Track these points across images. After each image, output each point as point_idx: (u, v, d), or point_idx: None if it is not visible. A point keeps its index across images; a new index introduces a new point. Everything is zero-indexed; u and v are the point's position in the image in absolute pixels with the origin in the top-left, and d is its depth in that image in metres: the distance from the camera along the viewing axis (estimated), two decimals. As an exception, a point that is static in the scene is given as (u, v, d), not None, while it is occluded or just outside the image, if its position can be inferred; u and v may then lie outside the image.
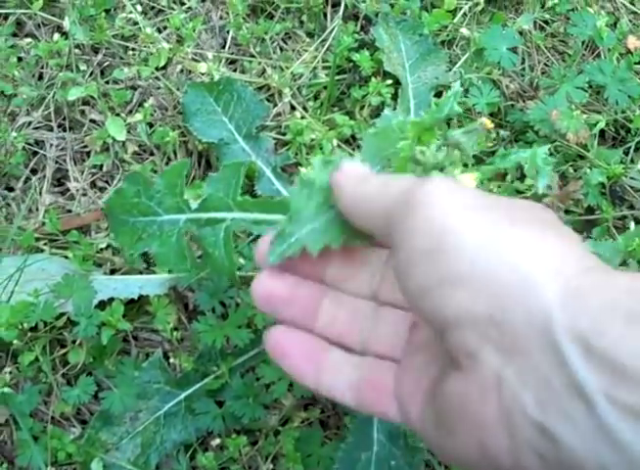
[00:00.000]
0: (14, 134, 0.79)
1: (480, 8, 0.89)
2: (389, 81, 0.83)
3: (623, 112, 0.86)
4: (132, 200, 0.57)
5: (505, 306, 0.27)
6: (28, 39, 0.85)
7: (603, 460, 0.24)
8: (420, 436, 0.34)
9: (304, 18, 0.90)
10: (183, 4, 0.90)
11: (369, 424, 0.67)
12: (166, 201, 0.56)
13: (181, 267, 0.57)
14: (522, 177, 0.80)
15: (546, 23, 0.94)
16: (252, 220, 0.54)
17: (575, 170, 0.84)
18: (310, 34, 0.90)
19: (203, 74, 0.84)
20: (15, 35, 0.88)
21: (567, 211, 0.83)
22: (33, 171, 0.82)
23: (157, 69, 0.84)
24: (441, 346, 0.30)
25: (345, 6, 0.89)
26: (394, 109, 0.83)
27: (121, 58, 0.86)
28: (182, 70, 0.86)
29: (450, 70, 0.86)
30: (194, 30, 0.83)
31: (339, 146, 0.81)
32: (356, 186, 0.36)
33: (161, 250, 0.56)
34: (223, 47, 0.89)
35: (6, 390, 0.66)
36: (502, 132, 0.86)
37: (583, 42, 0.90)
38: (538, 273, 0.27)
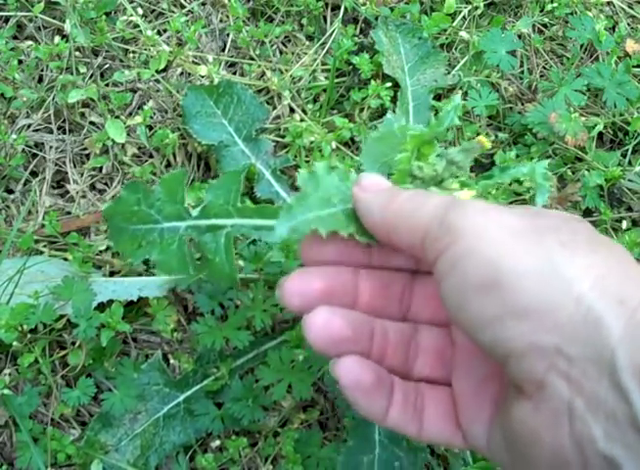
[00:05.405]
0: (14, 136, 0.80)
1: (479, 11, 0.90)
2: (389, 84, 0.83)
3: (621, 114, 0.87)
4: (132, 208, 0.57)
5: (571, 339, 0.27)
6: (29, 42, 0.85)
7: None
8: (490, 458, 0.34)
9: (304, 21, 0.90)
10: (183, 7, 0.90)
11: (370, 426, 0.67)
12: (166, 208, 0.56)
13: (183, 274, 0.57)
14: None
15: (545, 26, 0.95)
16: (253, 226, 0.54)
17: (574, 173, 0.84)
18: (310, 37, 0.91)
19: (203, 77, 0.84)
20: (15, 38, 0.88)
21: (565, 214, 0.83)
22: (33, 174, 0.82)
23: (157, 71, 0.84)
24: (503, 371, 0.30)
25: (345, 9, 0.89)
26: (394, 111, 0.83)
27: (121, 60, 0.86)
28: (182, 73, 0.86)
29: (449, 72, 0.87)
30: (194, 33, 0.83)
31: (338, 148, 0.81)
32: (385, 204, 0.35)
33: (163, 257, 0.56)
34: (223, 50, 0.89)
35: (6, 391, 0.66)
36: (501, 135, 0.86)
37: (582, 45, 0.90)
38: (602, 306, 0.27)
